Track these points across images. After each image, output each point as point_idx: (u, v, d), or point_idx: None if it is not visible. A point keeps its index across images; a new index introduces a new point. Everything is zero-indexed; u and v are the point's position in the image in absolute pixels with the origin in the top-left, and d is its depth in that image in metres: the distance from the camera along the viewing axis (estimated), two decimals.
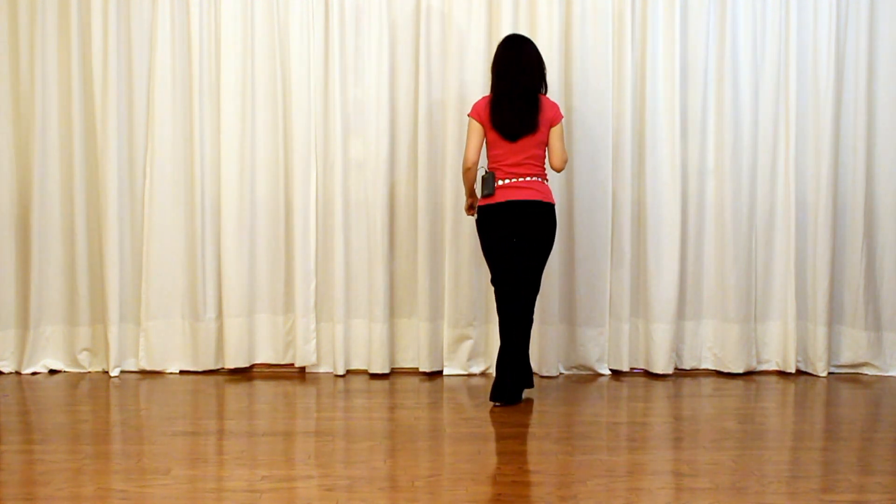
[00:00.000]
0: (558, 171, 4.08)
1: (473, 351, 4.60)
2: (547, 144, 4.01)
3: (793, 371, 4.62)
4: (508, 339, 3.98)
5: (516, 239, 3.97)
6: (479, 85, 4.46)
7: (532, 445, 3.42)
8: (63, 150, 4.54)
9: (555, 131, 4.00)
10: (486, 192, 3.96)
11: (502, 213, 3.94)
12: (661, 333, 4.56)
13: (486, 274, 4.53)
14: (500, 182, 3.94)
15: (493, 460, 3.26)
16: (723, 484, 2.94)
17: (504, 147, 3.96)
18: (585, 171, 4.55)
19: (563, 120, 4.06)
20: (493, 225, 3.97)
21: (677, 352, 4.65)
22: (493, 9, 4.51)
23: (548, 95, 4.12)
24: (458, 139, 4.46)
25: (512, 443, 3.44)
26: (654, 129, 4.55)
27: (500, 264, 4.00)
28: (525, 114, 3.92)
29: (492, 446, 3.45)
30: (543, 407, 4.02)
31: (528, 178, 3.95)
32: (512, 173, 3.94)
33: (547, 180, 4.04)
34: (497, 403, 3.97)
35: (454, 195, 4.49)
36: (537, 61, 4.02)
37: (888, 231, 4.64)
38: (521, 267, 3.98)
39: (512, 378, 3.97)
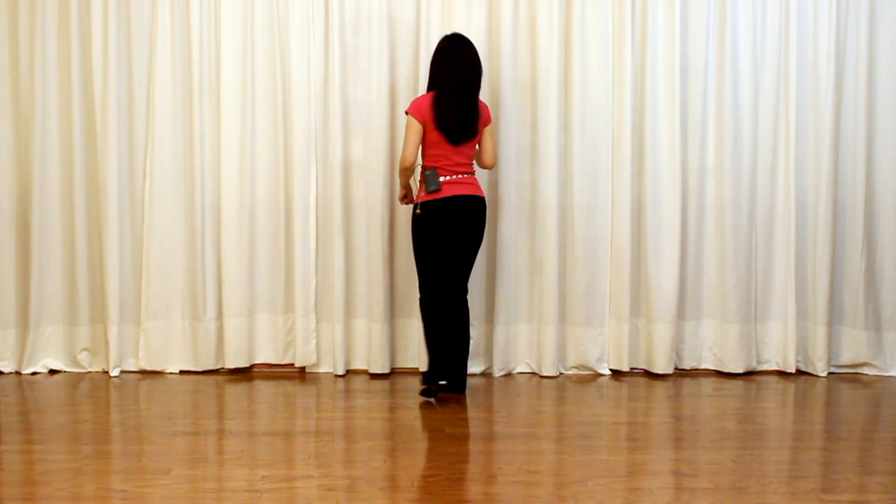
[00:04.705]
0: (489, 168, 4.26)
1: (473, 351, 4.59)
2: (478, 143, 4.14)
3: (793, 371, 4.62)
4: (438, 334, 4.04)
5: (457, 232, 4.03)
6: None
7: (532, 445, 3.41)
8: (63, 150, 4.54)
9: (488, 131, 4.16)
10: (432, 188, 4.02)
11: (449, 207, 4.03)
12: (661, 333, 4.56)
13: (486, 274, 4.55)
14: (442, 178, 4.03)
15: (493, 460, 3.26)
16: (723, 484, 2.94)
17: (445, 148, 4.04)
18: (585, 171, 4.56)
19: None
20: (439, 219, 4.04)
21: (677, 352, 4.65)
22: (493, 9, 4.52)
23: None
24: None
25: (512, 443, 3.44)
26: (654, 129, 4.55)
27: (435, 261, 4.06)
28: (469, 119, 4.02)
29: (492, 446, 3.45)
30: (543, 407, 4.02)
31: (465, 175, 4.07)
32: (452, 171, 4.04)
33: (475, 174, 4.17)
34: (431, 395, 4.03)
35: None
36: (478, 62, 4.07)
37: (888, 231, 4.65)
38: (456, 262, 4.06)
39: (452, 355, 4.02)
